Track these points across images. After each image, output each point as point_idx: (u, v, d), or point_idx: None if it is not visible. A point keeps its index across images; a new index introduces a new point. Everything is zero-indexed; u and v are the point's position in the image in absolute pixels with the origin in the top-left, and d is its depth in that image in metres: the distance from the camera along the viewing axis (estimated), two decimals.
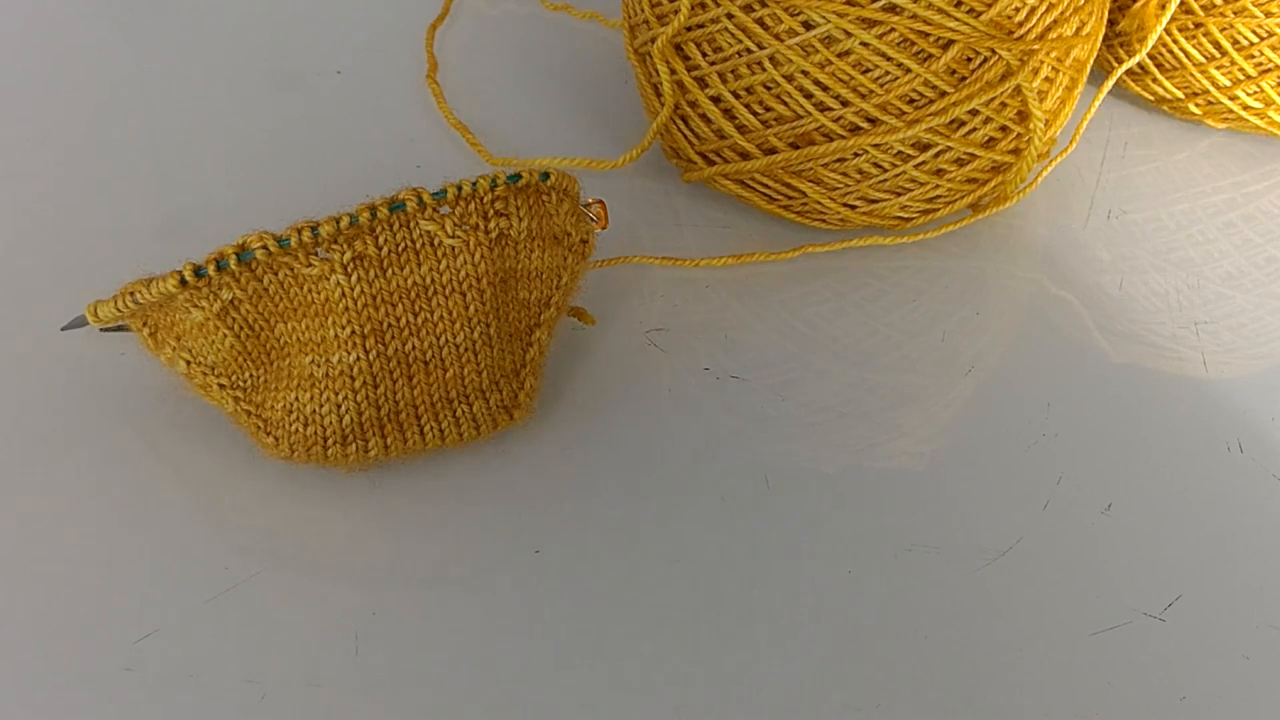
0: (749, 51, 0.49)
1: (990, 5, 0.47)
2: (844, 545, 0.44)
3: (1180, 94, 0.60)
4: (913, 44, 0.47)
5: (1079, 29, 0.50)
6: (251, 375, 0.43)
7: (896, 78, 0.48)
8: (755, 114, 0.51)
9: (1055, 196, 0.58)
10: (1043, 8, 0.48)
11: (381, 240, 0.42)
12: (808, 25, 0.47)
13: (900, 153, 0.50)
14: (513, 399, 0.45)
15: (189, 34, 0.68)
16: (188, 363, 0.43)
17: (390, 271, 0.42)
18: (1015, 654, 0.41)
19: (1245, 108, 0.59)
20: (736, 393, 0.49)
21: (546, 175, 0.44)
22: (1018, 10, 0.47)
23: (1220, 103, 0.59)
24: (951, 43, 0.47)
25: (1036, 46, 0.48)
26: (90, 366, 0.48)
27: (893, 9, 0.46)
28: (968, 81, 0.48)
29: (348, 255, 0.41)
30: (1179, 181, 0.60)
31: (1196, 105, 0.60)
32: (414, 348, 0.43)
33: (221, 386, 0.43)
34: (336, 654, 0.40)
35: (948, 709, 0.40)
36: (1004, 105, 0.50)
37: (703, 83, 0.51)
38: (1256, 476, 0.46)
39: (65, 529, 0.43)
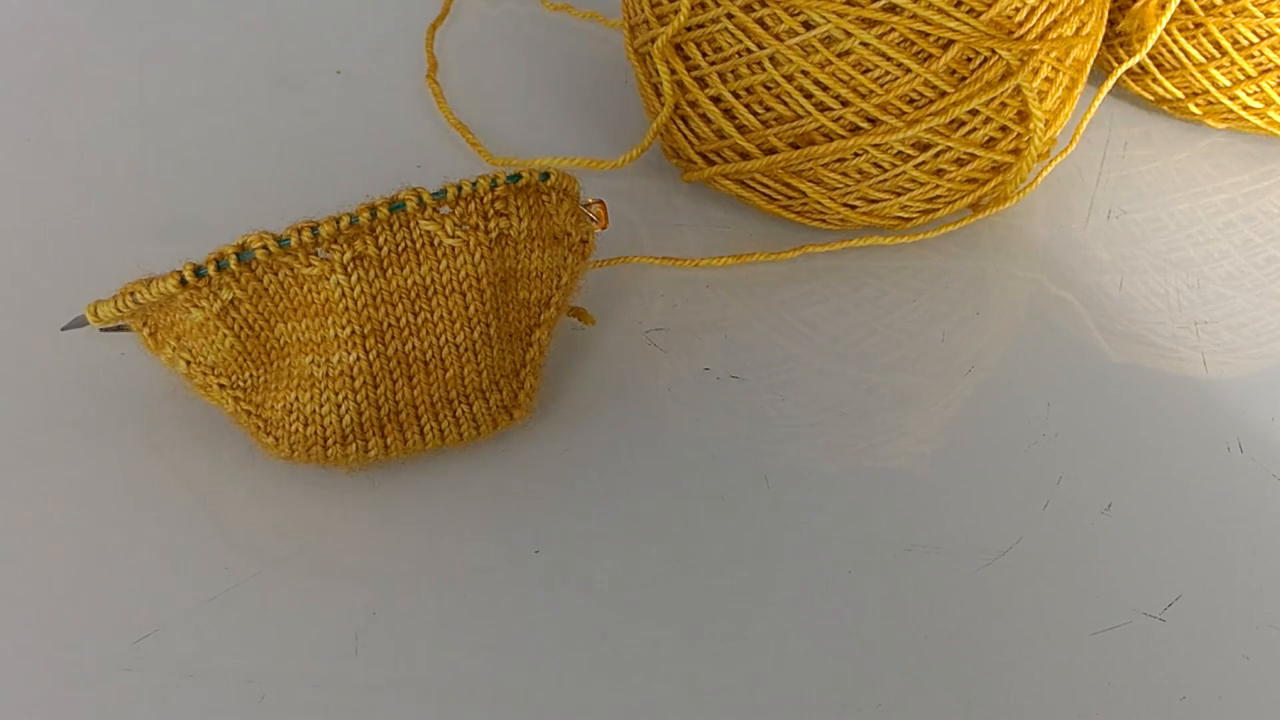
0: (749, 51, 0.49)
1: (990, 5, 0.47)
2: (844, 545, 0.44)
3: (1180, 94, 0.60)
4: (913, 44, 0.47)
5: (1079, 29, 0.50)
6: (251, 375, 0.43)
7: (896, 78, 0.48)
8: (755, 114, 0.51)
9: (1055, 196, 0.58)
10: (1043, 8, 0.48)
11: (381, 240, 0.42)
12: (808, 25, 0.47)
13: (900, 153, 0.50)
14: (513, 399, 0.45)
15: (189, 34, 0.68)
16: (188, 363, 0.43)
17: (390, 271, 0.42)
18: (1015, 654, 0.41)
19: (1245, 108, 0.59)
20: (736, 393, 0.49)
21: (546, 175, 0.44)
22: (1018, 10, 0.47)
23: (1220, 103, 0.59)
24: (951, 43, 0.47)
25: (1036, 46, 0.48)
26: (90, 366, 0.48)
27: (893, 9, 0.46)
28: (968, 81, 0.48)
29: (348, 255, 0.41)
30: (1179, 181, 0.60)
31: (1196, 105, 0.60)
32: (414, 348, 0.43)
33: (221, 386, 0.43)
34: (336, 654, 0.40)
35: (948, 709, 0.40)
36: (1004, 105, 0.50)
37: (703, 83, 0.51)
38: (1256, 476, 0.46)
39: (65, 529, 0.43)
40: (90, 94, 0.63)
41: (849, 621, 0.42)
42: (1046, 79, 0.50)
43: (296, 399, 0.43)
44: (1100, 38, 0.54)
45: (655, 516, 0.45)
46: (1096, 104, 0.57)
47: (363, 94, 0.64)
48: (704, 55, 0.50)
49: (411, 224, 0.42)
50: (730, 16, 0.48)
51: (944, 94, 0.48)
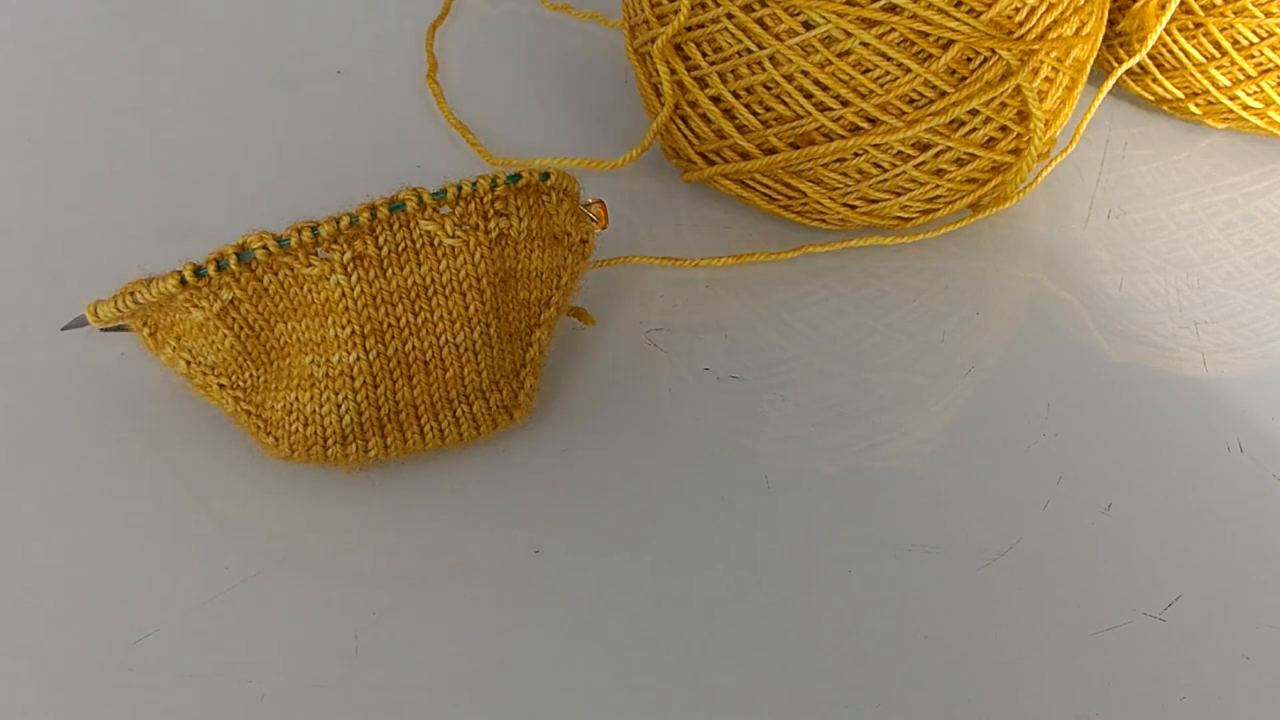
0: (749, 51, 0.49)
1: (990, 5, 0.47)
2: (844, 545, 0.44)
3: (1180, 94, 0.60)
4: (913, 44, 0.47)
5: (1079, 29, 0.50)
6: (251, 375, 0.43)
7: (896, 78, 0.48)
8: (755, 114, 0.51)
9: (1055, 196, 0.58)
10: (1043, 8, 0.48)
11: (381, 240, 0.42)
12: (808, 25, 0.47)
13: (900, 153, 0.50)
14: (513, 399, 0.45)
15: (189, 34, 0.68)
16: (188, 363, 0.43)
17: (390, 271, 0.42)
18: (1015, 654, 0.41)
19: (1245, 108, 0.59)
20: (736, 393, 0.49)
21: (546, 175, 0.44)
22: (1018, 10, 0.47)
23: (1220, 103, 0.59)
24: (951, 43, 0.47)
25: (1036, 46, 0.48)
26: (90, 366, 0.48)
27: (893, 9, 0.46)
28: (968, 81, 0.48)
29: (348, 255, 0.41)
30: (1179, 181, 0.60)
31: (1196, 105, 0.60)
32: (414, 348, 0.43)
33: (221, 386, 0.43)
34: (336, 654, 0.40)
35: (948, 709, 0.40)
36: (1004, 105, 0.50)
37: (703, 83, 0.51)
38: (1256, 476, 0.46)
39: (65, 529, 0.43)
40: (90, 94, 0.63)
41: (849, 621, 0.42)
42: (1046, 79, 0.50)
43: (296, 399, 0.43)
44: (1100, 38, 0.54)
45: (655, 516, 0.45)
46: (1096, 104, 0.57)
47: (363, 94, 0.64)
48: (704, 55, 0.50)
49: (411, 224, 0.42)
50: (730, 16, 0.48)
51: (944, 94, 0.48)
